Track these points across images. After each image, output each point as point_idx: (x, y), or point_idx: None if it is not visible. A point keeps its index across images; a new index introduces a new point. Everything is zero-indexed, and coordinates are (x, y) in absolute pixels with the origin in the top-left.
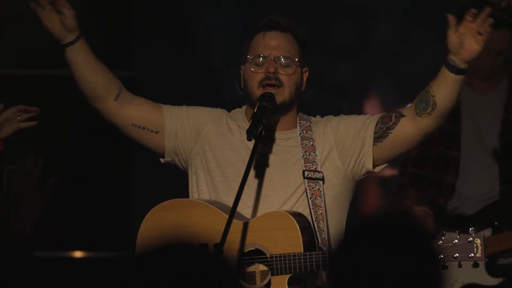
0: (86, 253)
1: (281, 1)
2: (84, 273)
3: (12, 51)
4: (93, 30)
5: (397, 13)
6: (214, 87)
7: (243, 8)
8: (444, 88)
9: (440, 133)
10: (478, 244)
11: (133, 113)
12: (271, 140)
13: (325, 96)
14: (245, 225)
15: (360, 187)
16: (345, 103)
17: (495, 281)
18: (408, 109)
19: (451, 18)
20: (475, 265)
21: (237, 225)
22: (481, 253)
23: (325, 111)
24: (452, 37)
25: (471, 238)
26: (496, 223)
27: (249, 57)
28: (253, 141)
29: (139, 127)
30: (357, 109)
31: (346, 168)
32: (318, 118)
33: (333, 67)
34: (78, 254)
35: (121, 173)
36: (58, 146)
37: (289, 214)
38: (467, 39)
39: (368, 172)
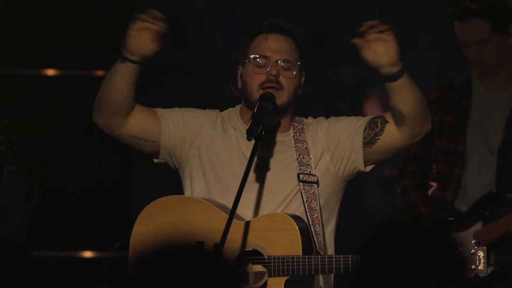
0: (86, 253)
1: (280, 1)
2: (84, 273)
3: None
4: (94, 30)
5: (397, 13)
6: (214, 87)
7: (243, 8)
8: (398, 97)
9: (448, 128)
10: (480, 257)
11: (132, 124)
12: (266, 141)
13: (325, 96)
14: (244, 225)
15: (360, 187)
16: (345, 103)
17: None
18: (390, 117)
19: (358, 41)
20: (476, 277)
21: (235, 224)
22: (483, 266)
23: (325, 111)
24: (367, 55)
25: (473, 250)
26: (486, 214)
27: (251, 57)
28: (249, 142)
29: (137, 138)
30: (357, 109)
31: (337, 171)
32: (310, 119)
33: (333, 67)
34: (77, 254)
35: (121, 173)
36: (58, 146)
37: (289, 216)
38: (378, 48)
39: (359, 172)
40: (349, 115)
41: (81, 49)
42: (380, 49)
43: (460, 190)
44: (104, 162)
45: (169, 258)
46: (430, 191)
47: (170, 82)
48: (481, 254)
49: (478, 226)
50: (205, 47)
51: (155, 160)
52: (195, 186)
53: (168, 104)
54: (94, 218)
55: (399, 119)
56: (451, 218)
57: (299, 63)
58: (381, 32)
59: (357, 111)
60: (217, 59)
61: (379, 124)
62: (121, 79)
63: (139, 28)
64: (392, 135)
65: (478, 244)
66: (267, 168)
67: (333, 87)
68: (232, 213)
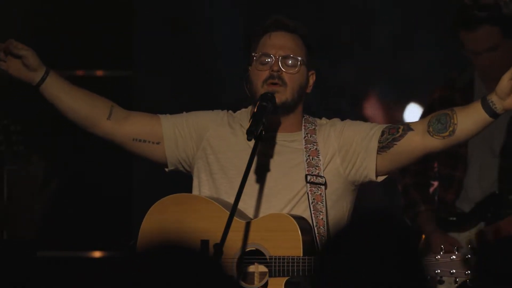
0: (85, 253)
1: (281, 1)
2: (83, 273)
3: None
4: (93, 30)
5: (397, 13)
6: (214, 86)
7: (243, 8)
8: (471, 123)
9: None
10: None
11: (132, 128)
12: (275, 141)
13: (325, 96)
14: (247, 225)
15: (360, 186)
16: (345, 103)
17: None
18: (419, 124)
19: None
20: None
21: (239, 224)
22: None
23: (325, 111)
24: (505, 82)
25: (469, 255)
26: (489, 215)
27: (255, 55)
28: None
29: (140, 140)
30: (357, 109)
31: (347, 174)
32: (323, 120)
33: (333, 67)
34: (78, 254)
35: (121, 172)
36: (58, 146)
37: (291, 217)
38: None
39: (370, 181)
40: (349, 115)
41: (81, 49)
42: None
43: (461, 191)
44: (104, 162)
45: (173, 256)
46: (431, 190)
47: (170, 82)
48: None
49: (480, 227)
50: (205, 47)
51: (166, 170)
52: (202, 187)
53: (169, 104)
54: (93, 218)
55: (442, 132)
56: (453, 218)
57: (300, 58)
58: None
59: (357, 111)
60: (217, 59)
61: (400, 130)
62: (56, 101)
63: (8, 67)
64: (411, 143)
65: (474, 249)
66: (274, 168)
67: (333, 87)
68: (233, 212)
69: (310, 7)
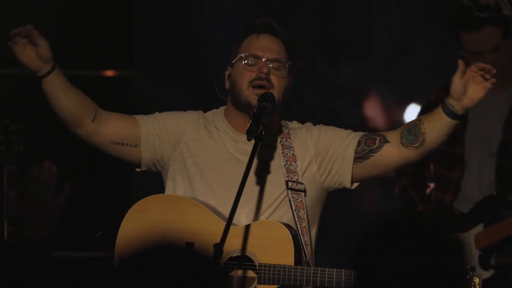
0: (85, 253)
1: (281, 1)
2: (83, 273)
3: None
4: (93, 30)
5: (397, 13)
6: (213, 87)
7: (243, 8)
8: (436, 130)
9: None
10: (476, 283)
11: (111, 130)
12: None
13: (325, 96)
14: (237, 230)
15: (360, 187)
16: (345, 103)
17: (487, 274)
18: (394, 136)
19: (461, 63)
20: None
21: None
22: None
23: (325, 111)
24: (457, 82)
25: (468, 276)
26: (487, 216)
27: (242, 55)
28: (234, 142)
29: (118, 143)
30: (357, 109)
31: (323, 181)
32: (295, 124)
33: (333, 67)
34: (77, 254)
35: (121, 173)
36: (57, 146)
37: (283, 225)
38: (470, 86)
39: (344, 188)
40: (349, 115)
41: (81, 49)
42: (470, 89)
43: (459, 192)
44: (104, 162)
45: (157, 257)
46: (427, 191)
47: (170, 82)
48: (476, 280)
49: (479, 228)
50: (205, 47)
51: (138, 170)
52: (178, 189)
53: (169, 104)
54: (93, 218)
55: (414, 143)
56: (450, 219)
57: (286, 62)
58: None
59: (357, 111)
60: (217, 59)
61: (377, 142)
62: (53, 95)
63: (20, 51)
64: (388, 155)
65: (473, 269)
66: (255, 171)
67: (333, 87)
68: (232, 216)
69: (310, 7)
